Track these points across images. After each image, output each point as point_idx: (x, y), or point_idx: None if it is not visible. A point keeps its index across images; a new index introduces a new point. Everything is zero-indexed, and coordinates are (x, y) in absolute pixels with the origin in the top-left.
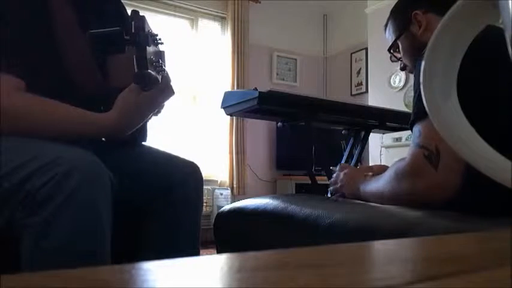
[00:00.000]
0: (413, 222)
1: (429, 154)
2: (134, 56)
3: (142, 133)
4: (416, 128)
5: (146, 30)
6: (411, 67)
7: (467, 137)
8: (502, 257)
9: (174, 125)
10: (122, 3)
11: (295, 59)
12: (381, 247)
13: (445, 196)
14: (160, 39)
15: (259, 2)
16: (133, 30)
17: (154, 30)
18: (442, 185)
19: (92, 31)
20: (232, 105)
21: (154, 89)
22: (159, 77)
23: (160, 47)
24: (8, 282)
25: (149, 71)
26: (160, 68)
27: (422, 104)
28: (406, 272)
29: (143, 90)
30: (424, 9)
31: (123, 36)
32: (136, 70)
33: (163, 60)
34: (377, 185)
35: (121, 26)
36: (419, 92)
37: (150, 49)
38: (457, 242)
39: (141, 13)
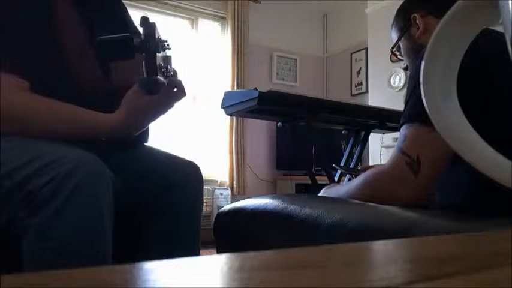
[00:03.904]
0: (413, 222)
1: (411, 162)
2: (144, 63)
3: (143, 133)
4: (403, 132)
5: (156, 36)
6: (411, 68)
7: (467, 137)
8: (502, 257)
9: (174, 125)
10: (122, 3)
11: (295, 59)
12: (381, 247)
13: (420, 201)
14: (168, 44)
15: (259, 2)
16: (143, 37)
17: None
18: (420, 191)
19: (102, 37)
20: (232, 105)
21: (161, 92)
22: (166, 82)
23: (168, 52)
24: (8, 282)
25: (158, 77)
26: (168, 74)
27: (413, 106)
28: (406, 272)
29: (150, 95)
30: (424, 12)
31: (133, 42)
32: (145, 76)
33: (170, 65)
34: (346, 187)
35: (131, 32)
36: (412, 93)
37: (159, 55)
38: (457, 242)
39: (141, 13)
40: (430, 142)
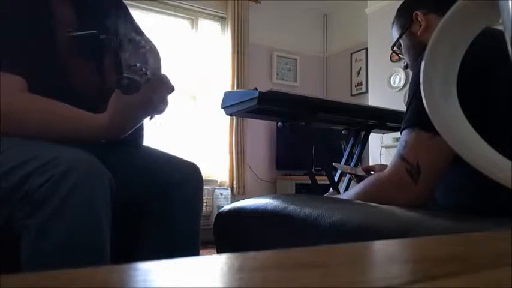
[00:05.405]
0: (413, 222)
1: (411, 169)
2: (114, 61)
3: (140, 134)
4: (404, 137)
5: (123, 34)
6: (411, 66)
7: (467, 137)
8: (502, 257)
9: (174, 125)
10: (123, 2)
11: (295, 59)
12: (381, 247)
13: (421, 204)
14: (141, 42)
15: (259, 2)
16: (109, 35)
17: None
18: (420, 197)
19: (70, 33)
20: (232, 105)
21: (144, 89)
22: (142, 80)
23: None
24: (8, 282)
25: (127, 75)
26: (141, 72)
27: (414, 111)
28: (406, 272)
29: (124, 94)
30: (426, 10)
31: (98, 39)
32: (116, 74)
33: (147, 63)
34: (345, 196)
35: (100, 30)
36: (413, 97)
37: (129, 53)
38: (457, 242)
39: (141, 13)
40: (430, 149)
